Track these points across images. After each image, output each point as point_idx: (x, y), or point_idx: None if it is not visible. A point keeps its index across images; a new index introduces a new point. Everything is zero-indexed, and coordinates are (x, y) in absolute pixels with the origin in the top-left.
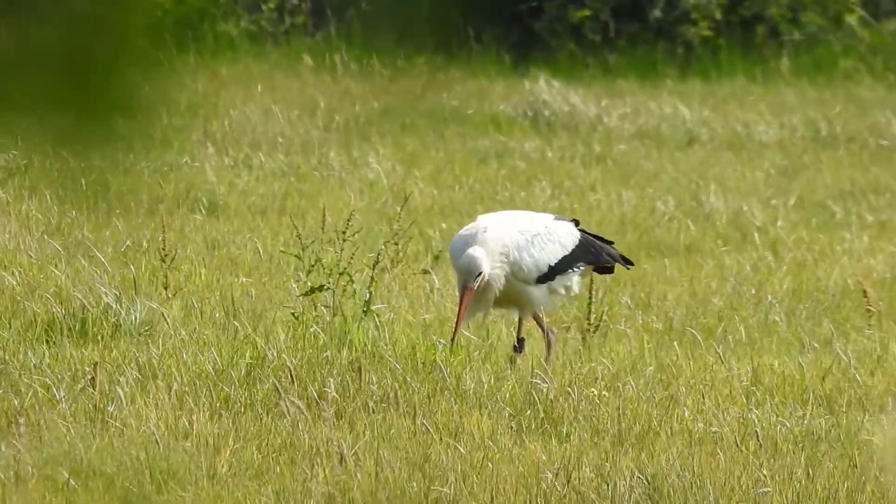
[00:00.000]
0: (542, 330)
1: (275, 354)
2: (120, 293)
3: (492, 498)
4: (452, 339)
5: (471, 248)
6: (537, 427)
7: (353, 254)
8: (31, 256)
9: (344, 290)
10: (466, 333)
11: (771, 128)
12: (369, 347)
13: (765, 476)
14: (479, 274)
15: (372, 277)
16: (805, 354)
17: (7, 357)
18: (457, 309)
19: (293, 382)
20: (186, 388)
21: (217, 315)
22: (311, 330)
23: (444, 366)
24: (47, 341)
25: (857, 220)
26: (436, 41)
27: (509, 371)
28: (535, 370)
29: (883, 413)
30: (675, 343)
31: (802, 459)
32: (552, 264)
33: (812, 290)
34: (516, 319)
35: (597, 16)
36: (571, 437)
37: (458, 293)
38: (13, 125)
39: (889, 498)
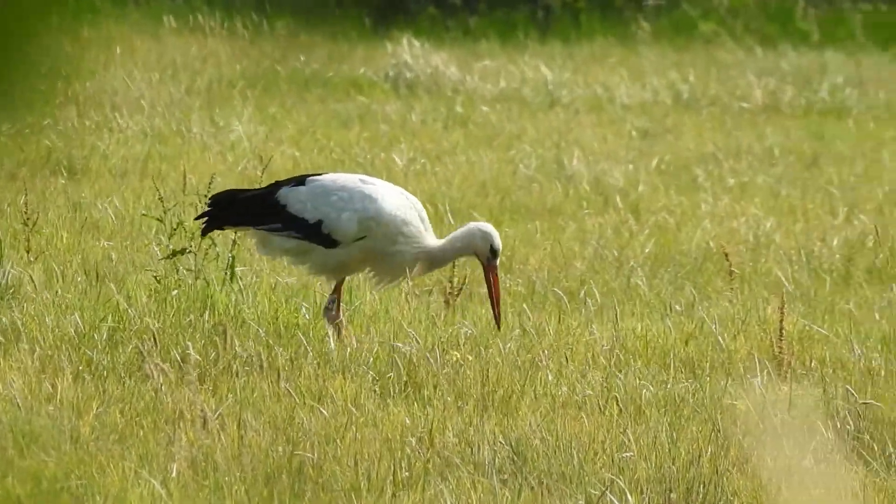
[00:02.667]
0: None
1: (138, 318)
2: None
3: (355, 462)
4: (499, 324)
5: (479, 224)
6: (401, 391)
7: None
8: None
9: (206, 254)
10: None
11: (632, 90)
12: (232, 311)
13: (628, 440)
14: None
15: (234, 241)
16: (668, 318)
17: None
18: (489, 292)
19: (156, 346)
20: (49, 352)
21: (79, 278)
22: (174, 293)
23: (307, 330)
24: None
25: (719, 182)
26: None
27: (373, 334)
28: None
29: (745, 377)
30: (539, 306)
31: (666, 423)
32: None
33: (674, 253)
34: (336, 284)
35: None
36: (435, 401)
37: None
38: None
39: (752, 462)
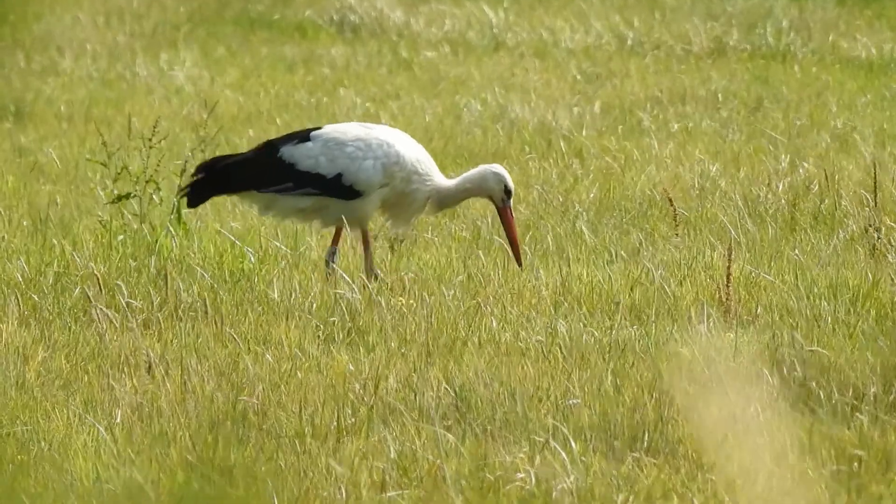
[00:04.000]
0: (368, 243)
1: (83, 263)
2: None
3: (300, 408)
4: (520, 262)
5: (492, 166)
6: (345, 337)
7: (159, 161)
8: None
9: (151, 199)
10: (276, 243)
11: (577, 34)
12: (177, 256)
13: (573, 386)
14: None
15: (179, 185)
16: (613, 264)
17: None
18: (507, 233)
19: (101, 291)
20: None
21: (25, 223)
22: (119, 238)
23: (252, 274)
24: None
25: (664, 127)
26: None
27: (325, 279)
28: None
29: (690, 324)
30: (482, 252)
31: (610, 371)
32: None
33: (619, 198)
34: (334, 232)
35: None
36: (379, 348)
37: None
38: None
39: (696, 409)
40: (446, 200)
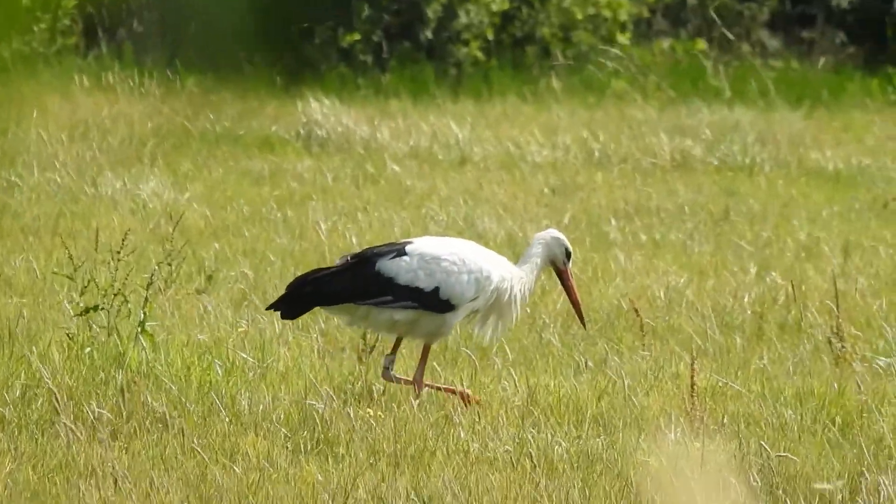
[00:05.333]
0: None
1: (50, 374)
2: None
3: None
4: (583, 322)
5: (550, 232)
6: (313, 448)
7: (127, 274)
8: None
9: (119, 311)
10: (242, 354)
11: (544, 148)
12: (144, 368)
13: (541, 496)
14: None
15: (146, 298)
16: (580, 374)
17: None
18: (569, 296)
19: (69, 402)
20: None
21: None
22: (86, 350)
23: (219, 387)
24: None
25: (631, 239)
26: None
27: (284, 392)
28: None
29: (658, 433)
30: (451, 363)
31: (578, 480)
32: None
33: (586, 309)
34: (394, 341)
35: (368, 37)
36: (347, 458)
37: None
38: None
39: None
40: (529, 285)
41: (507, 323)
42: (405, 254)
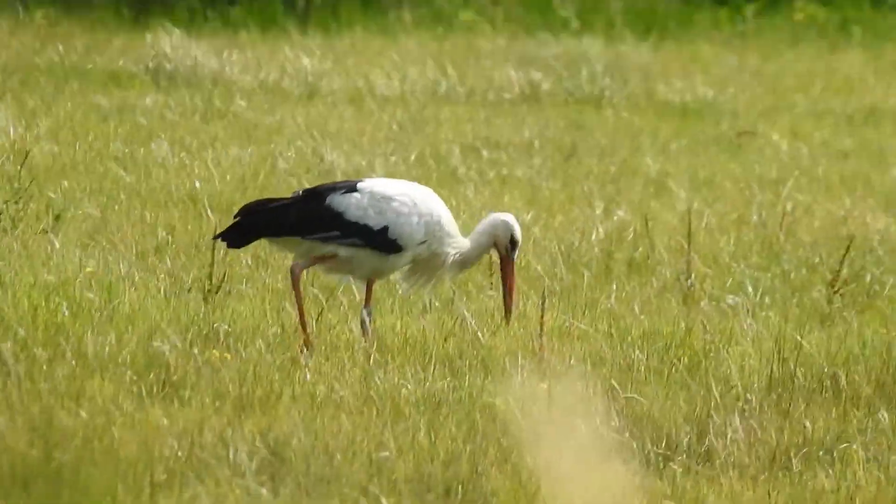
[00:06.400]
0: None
1: None
2: None
3: (114, 464)
4: (509, 317)
5: (502, 215)
6: (159, 391)
7: None
8: None
9: None
10: (89, 295)
11: (391, 81)
12: None
13: (387, 439)
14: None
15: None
16: (427, 315)
17: None
18: (503, 284)
19: None
20: None
21: None
22: None
23: (66, 329)
24: None
25: (479, 175)
26: None
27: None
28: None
29: (504, 374)
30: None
31: (424, 422)
32: None
33: None
34: (360, 287)
35: None
36: (193, 402)
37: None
38: None
39: (511, 461)
40: (468, 261)
41: (427, 283)
42: (356, 190)
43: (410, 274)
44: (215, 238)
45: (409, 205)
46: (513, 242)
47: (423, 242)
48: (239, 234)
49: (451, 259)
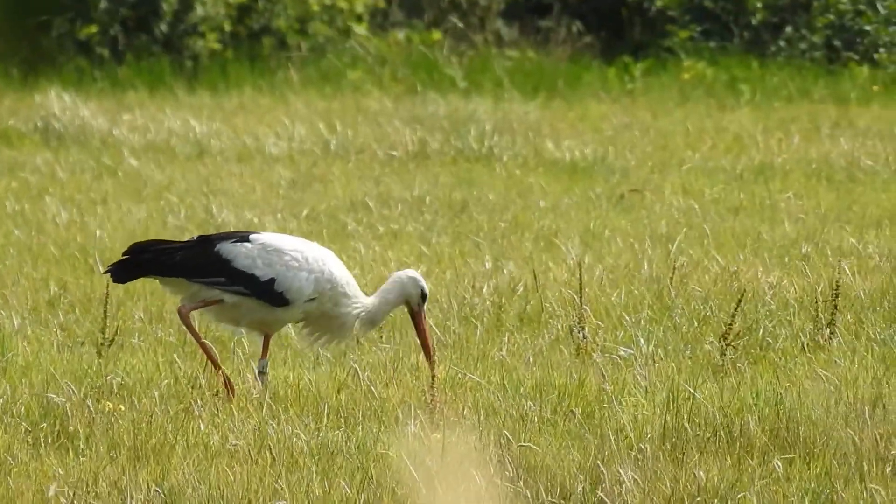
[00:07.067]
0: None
1: None
2: None
3: None
4: (433, 368)
5: (407, 272)
6: (54, 441)
7: None
8: None
9: None
10: None
11: (280, 140)
12: None
13: (282, 488)
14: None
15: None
16: (320, 367)
17: None
18: (418, 335)
19: None
20: None
21: None
22: None
23: None
24: None
25: (369, 230)
26: None
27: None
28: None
29: (398, 425)
30: (191, 355)
31: (318, 472)
32: None
33: None
34: (260, 341)
35: (106, 30)
36: (88, 451)
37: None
38: None
39: None
40: (375, 318)
41: (328, 342)
42: (248, 241)
43: (308, 332)
44: (104, 273)
45: (301, 260)
46: (423, 296)
47: (313, 299)
48: (125, 269)
49: (352, 319)
